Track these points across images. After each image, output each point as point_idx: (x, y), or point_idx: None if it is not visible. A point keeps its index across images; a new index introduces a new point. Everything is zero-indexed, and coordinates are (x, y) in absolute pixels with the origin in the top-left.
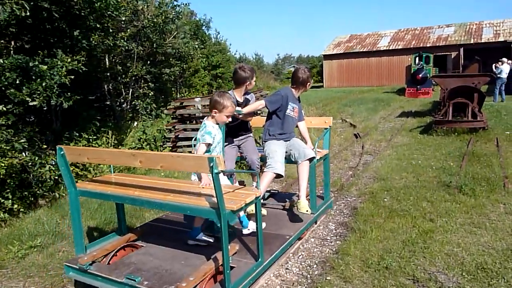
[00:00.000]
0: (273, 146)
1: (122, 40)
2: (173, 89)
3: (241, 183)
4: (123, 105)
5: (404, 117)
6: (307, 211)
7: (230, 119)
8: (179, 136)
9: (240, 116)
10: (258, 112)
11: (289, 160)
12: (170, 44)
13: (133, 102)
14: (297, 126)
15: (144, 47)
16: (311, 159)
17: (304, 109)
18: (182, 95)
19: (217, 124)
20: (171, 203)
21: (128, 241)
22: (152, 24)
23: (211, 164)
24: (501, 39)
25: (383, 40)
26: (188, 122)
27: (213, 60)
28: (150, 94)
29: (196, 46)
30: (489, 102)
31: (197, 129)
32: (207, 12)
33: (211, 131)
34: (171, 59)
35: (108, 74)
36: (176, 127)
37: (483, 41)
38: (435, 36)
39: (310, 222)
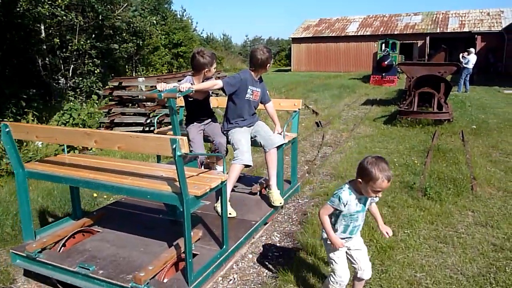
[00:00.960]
0: (236, 135)
1: (59, 9)
2: (127, 67)
3: (207, 166)
4: (63, 83)
5: (369, 105)
6: (280, 203)
7: (378, 195)
8: (115, 121)
9: (191, 93)
10: (215, 93)
11: (255, 144)
12: (119, 17)
13: (73, 80)
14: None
15: (88, 18)
16: (279, 146)
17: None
18: (139, 73)
19: (361, 195)
20: (129, 187)
21: (83, 226)
22: None
23: (174, 146)
24: (466, 29)
25: (351, 25)
26: (130, 105)
27: (174, 37)
28: (96, 72)
29: (154, 21)
30: (453, 92)
31: (140, 114)
32: None
33: (343, 198)
34: (124, 34)
35: (44, 47)
36: (112, 111)
37: (449, 30)
38: (403, 24)
39: (276, 207)
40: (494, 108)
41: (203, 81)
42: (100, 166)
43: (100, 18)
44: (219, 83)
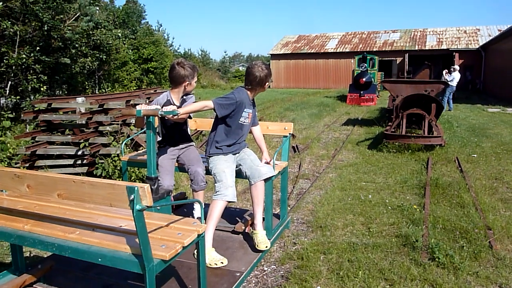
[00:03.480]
0: (220, 165)
1: None
2: (87, 83)
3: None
4: (5, 102)
5: (351, 125)
6: (266, 246)
7: None
8: (37, 153)
9: (175, 117)
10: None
11: (239, 175)
12: (70, 28)
13: (8, 99)
14: (250, 132)
15: (31, 28)
16: (268, 179)
17: None
18: (103, 90)
19: None
20: (74, 245)
21: (23, 285)
22: (42, 0)
23: (132, 197)
24: (444, 47)
25: (331, 42)
26: (66, 131)
27: (143, 52)
28: (42, 89)
29: (119, 35)
30: None
31: (75, 143)
32: (154, 4)
33: None
34: (83, 48)
35: None
36: (36, 139)
37: (427, 48)
38: (382, 41)
39: (265, 251)
40: (484, 129)
41: (182, 96)
42: (43, 213)
43: (46, 28)
44: (209, 104)
